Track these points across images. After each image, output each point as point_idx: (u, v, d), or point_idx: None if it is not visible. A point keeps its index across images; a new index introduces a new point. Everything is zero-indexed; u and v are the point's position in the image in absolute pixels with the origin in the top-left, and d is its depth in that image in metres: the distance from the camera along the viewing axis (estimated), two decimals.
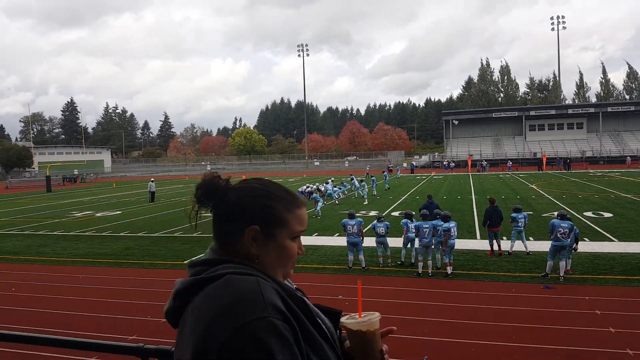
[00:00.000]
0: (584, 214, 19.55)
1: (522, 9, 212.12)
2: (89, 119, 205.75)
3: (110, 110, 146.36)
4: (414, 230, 11.68)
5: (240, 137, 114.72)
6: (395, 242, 13.42)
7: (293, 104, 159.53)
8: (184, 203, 29.26)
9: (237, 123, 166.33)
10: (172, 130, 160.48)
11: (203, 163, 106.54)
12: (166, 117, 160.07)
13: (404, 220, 12.17)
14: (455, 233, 11.08)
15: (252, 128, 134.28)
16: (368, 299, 9.49)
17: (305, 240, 14.69)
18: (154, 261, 13.48)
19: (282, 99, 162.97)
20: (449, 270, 11.01)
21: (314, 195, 22.77)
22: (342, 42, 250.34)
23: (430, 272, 11.08)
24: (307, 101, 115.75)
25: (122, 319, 8.80)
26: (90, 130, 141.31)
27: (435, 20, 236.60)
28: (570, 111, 74.55)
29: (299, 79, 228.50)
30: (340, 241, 14.98)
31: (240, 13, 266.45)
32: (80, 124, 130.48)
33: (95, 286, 11.14)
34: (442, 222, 11.15)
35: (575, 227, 10.94)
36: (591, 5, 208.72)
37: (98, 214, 25.32)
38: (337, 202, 26.38)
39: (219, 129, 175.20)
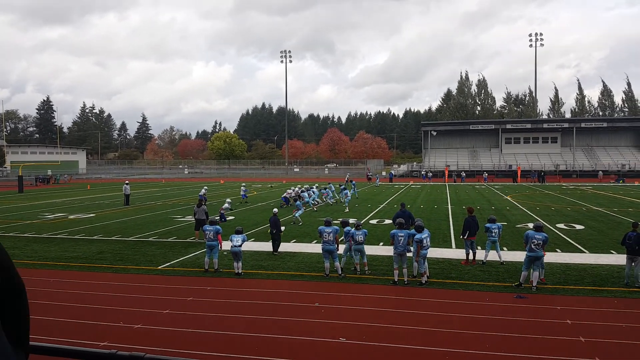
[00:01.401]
0: (557, 225, 20.00)
1: (503, 26, 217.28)
2: (66, 119, 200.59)
3: (87, 110, 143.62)
4: (361, 238, 11.84)
5: (220, 141, 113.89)
6: (370, 249, 13.48)
7: (274, 109, 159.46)
8: (160, 207, 28.85)
9: (217, 127, 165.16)
10: (149, 132, 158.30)
11: (181, 167, 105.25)
12: (144, 118, 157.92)
13: (347, 228, 12.21)
14: (428, 244, 11.18)
15: (232, 132, 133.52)
16: (345, 306, 9.50)
17: (284, 246, 14.65)
18: (127, 266, 13.22)
19: (263, 104, 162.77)
20: (424, 279, 11.11)
21: (297, 202, 22.70)
22: (326, 50, 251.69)
23: (406, 280, 11.15)
24: (289, 107, 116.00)
25: (93, 324, 8.59)
26: (65, 130, 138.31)
27: (419, 33, 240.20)
28: (545, 126, 76.48)
29: (282, 85, 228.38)
30: (318, 248, 14.97)
31: (227, 17, 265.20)
32: (56, 123, 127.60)
33: (66, 291, 10.86)
34: (416, 232, 11.27)
35: (546, 235, 11.20)
36: (568, 25, 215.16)
37: (71, 216, 24.72)
38: (314, 209, 26.39)
39: (198, 132, 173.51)
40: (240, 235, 12.06)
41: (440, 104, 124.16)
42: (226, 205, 23.61)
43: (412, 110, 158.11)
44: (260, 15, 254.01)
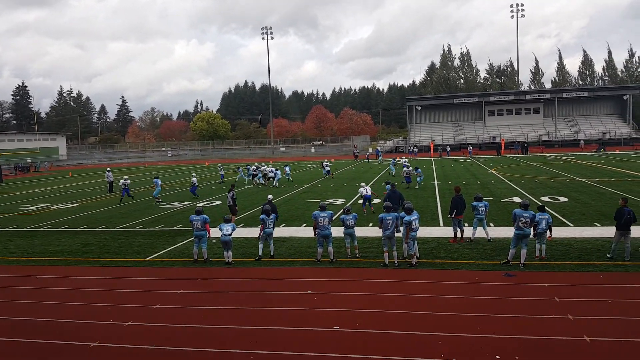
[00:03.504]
0: (541, 198, 20.25)
1: None
2: (45, 103, 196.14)
3: (64, 94, 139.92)
4: (352, 222, 11.74)
5: (203, 121, 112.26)
6: (360, 231, 13.47)
7: (258, 87, 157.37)
8: (144, 194, 28.48)
9: (199, 107, 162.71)
10: (130, 114, 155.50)
11: (163, 149, 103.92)
12: (124, 100, 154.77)
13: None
14: (417, 225, 11.19)
15: (214, 112, 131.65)
16: (338, 292, 9.51)
17: (274, 231, 14.53)
18: (114, 258, 13.04)
19: (245, 82, 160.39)
20: (413, 261, 11.18)
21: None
22: (310, 26, 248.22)
23: (396, 262, 11.20)
24: (273, 85, 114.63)
25: (83, 324, 8.45)
26: (43, 115, 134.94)
27: (402, 6, 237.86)
28: (527, 97, 76.88)
29: (265, 62, 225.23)
30: (308, 232, 14.95)
31: None
32: (33, 109, 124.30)
33: (52, 288, 10.68)
34: (404, 215, 11.27)
35: (548, 215, 11.36)
36: None
37: (54, 207, 24.28)
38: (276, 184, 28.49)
39: (179, 112, 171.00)
40: (230, 224, 11.96)
41: (424, 77, 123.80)
42: (122, 181, 24.42)
43: (397, 84, 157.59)
44: None
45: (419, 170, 27.07)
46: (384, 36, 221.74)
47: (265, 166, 32.04)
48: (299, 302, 9.03)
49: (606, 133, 67.74)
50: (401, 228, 11.28)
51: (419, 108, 79.51)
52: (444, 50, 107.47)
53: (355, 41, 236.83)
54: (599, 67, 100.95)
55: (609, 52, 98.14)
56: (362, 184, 20.51)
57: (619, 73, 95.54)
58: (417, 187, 25.65)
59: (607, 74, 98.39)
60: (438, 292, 9.33)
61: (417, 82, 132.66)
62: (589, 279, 9.82)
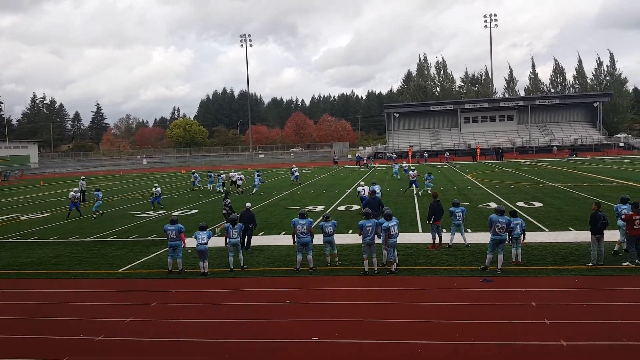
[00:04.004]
0: (517, 203, 20.54)
1: (460, 6, 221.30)
2: (17, 111, 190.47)
3: (37, 101, 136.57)
4: (331, 230, 11.62)
5: (179, 128, 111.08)
6: (339, 238, 13.38)
7: (236, 93, 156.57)
8: (118, 202, 27.86)
9: (176, 114, 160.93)
10: (105, 121, 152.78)
11: (139, 157, 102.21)
12: (99, 107, 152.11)
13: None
14: (396, 232, 11.16)
15: (192, 119, 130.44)
16: (318, 302, 9.38)
17: (252, 240, 14.34)
18: (86, 270, 12.62)
19: (224, 89, 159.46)
20: (393, 267, 11.14)
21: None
22: (289, 33, 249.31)
23: (376, 269, 11.14)
24: (251, 92, 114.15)
25: (51, 340, 8.10)
26: (15, 122, 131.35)
27: (380, 15, 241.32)
28: (501, 104, 78.60)
29: (244, 69, 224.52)
30: (287, 240, 14.77)
31: (186, 2, 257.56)
32: (4, 116, 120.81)
33: (20, 302, 10.25)
34: (385, 221, 11.25)
35: (522, 220, 11.60)
36: (521, 5, 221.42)
37: (23, 217, 23.50)
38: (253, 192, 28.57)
39: (156, 119, 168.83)
40: (205, 232, 11.68)
41: (401, 85, 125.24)
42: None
43: (375, 92, 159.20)
44: (221, 0, 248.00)
45: (432, 176, 26.52)
46: (362, 45, 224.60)
47: (238, 173, 31.70)
48: (277, 313, 8.86)
49: (578, 139, 69.57)
50: (381, 234, 11.26)
51: (397, 115, 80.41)
52: (420, 59, 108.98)
53: (334, 49, 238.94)
54: (570, 75, 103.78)
55: (579, 61, 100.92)
56: (361, 183, 20.71)
57: (589, 81, 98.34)
58: (420, 193, 25.18)
59: (577, 82, 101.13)
60: (417, 299, 9.29)
61: (395, 89, 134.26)
62: (564, 283, 9.93)
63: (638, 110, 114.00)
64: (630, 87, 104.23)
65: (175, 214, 21.55)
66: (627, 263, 10.84)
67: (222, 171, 37.00)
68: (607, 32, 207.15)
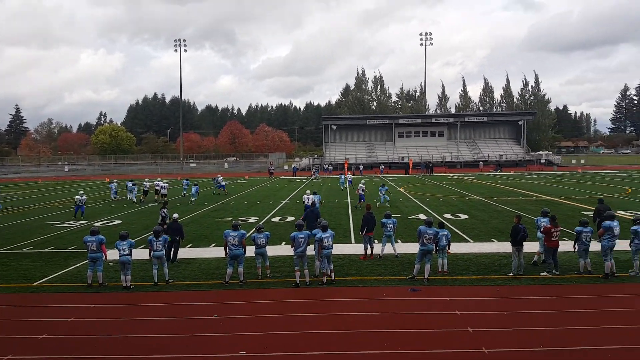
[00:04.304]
0: (444, 215, 21.40)
1: (397, 24, 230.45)
2: None
3: None
4: (263, 241, 11.52)
5: (105, 134, 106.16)
6: (272, 250, 13.20)
7: (168, 99, 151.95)
8: (35, 212, 25.87)
9: (102, 119, 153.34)
10: (24, 125, 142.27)
11: (60, 163, 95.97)
12: (18, 110, 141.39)
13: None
14: (330, 243, 11.18)
15: (119, 125, 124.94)
16: (246, 315, 9.13)
17: (179, 253, 13.78)
18: None
19: (155, 94, 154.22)
20: (324, 279, 11.14)
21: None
22: (227, 41, 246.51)
23: (307, 280, 11.07)
24: (185, 98, 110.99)
25: None
26: None
27: (320, 28, 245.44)
28: (433, 120, 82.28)
29: (178, 74, 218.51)
30: (216, 252, 14.37)
31: (119, 4, 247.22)
32: None
33: None
34: (319, 232, 11.25)
35: (447, 231, 12.05)
36: (455, 26, 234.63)
37: None
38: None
39: (80, 124, 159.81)
40: (126, 241, 11.06)
41: (339, 98, 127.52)
42: None
43: (313, 103, 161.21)
44: (156, 4, 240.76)
45: (385, 187, 26.28)
46: (302, 56, 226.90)
47: (163, 182, 30.37)
48: (203, 328, 8.51)
49: (503, 155, 74.10)
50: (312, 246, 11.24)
51: (334, 127, 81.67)
52: (358, 73, 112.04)
53: (274, 59, 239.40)
54: (497, 94, 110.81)
55: (507, 81, 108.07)
56: (307, 191, 20.84)
57: (515, 100, 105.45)
58: (378, 205, 25.05)
59: (504, 100, 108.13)
60: (349, 310, 9.32)
61: (333, 102, 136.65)
62: (487, 292, 10.39)
63: (559, 129, 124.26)
64: (552, 107, 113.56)
65: (97, 224, 20.39)
66: (545, 273, 11.55)
67: (147, 179, 35.47)
68: (533, 55, 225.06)
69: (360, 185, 26.24)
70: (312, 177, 53.65)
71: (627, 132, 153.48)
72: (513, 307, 9.41)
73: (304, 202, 20.46)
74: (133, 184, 30.46)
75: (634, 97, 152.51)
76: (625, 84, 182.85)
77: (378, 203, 25.67)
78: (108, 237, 12.03)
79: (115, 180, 36.36)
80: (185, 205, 27.30)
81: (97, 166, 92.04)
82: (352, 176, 44.07)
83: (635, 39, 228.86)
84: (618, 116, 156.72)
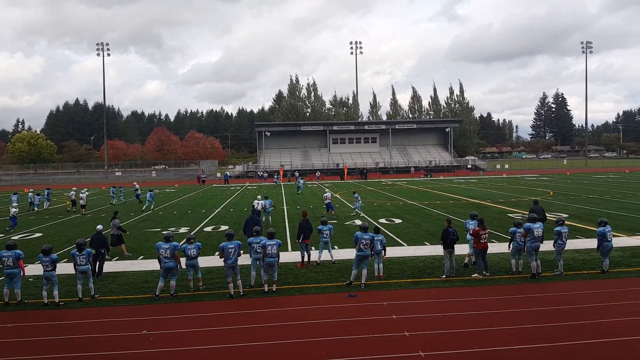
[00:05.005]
0: (379, 220, 21.77)
1: (329, 32, 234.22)
2: None
3: None
4: (194, 252, 11.07)
5: (23, 142, 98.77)
6: (205, 262, 12.67)
7: (91, 105, 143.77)
8: None
9: (20, 126, 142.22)
10: None
11: None
12: None
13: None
14: (274, 251, 10.91)
15: (38, 132, 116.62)
16: (177, 330, 8.60)
17: (105, 266, 12.86)
18: None
19: (77, 100, 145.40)
20: (266, 287, 10.84)
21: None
22: (153, 45, 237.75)
23: (241, 291, 10.69)
24: (109, 104, 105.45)
25: None
26: None
27: (251, 34, 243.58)
28: (366, 127, 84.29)
29: (101, 79, 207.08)
30: (145, 265, 13.58)
31: (39, 6, 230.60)
32: None
33: None
34: (266, 239, 10.98)
35: (382, 236, 12.12)
36: (384, 36, 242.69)
37: None
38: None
39: None
40: (48, 257, 10.18)
41: (272, 104, 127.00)
42: None
43: (246, 109, 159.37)
44: (79, 6, 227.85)
45: (357, 195, 25.24)
46: (233, 61, 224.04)
47: (81, 192, 28.78)
48: (131, 344, 7.91)
49: (432, 161, 77.28)
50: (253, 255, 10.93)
51: (269, 134, 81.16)
52: (292, 79, 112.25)
53: (204, 64, 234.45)
54: (425, 102, 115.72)
55: (434, 90, 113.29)
56: (258, 197, 20.57)
57: (442, 108, 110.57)
58: (353, 214, 24.24)
59: (432, 108, 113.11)
60: (286, 320, 9.08)
61: (267, 108, 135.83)
62: (421, 295, 10.57)
63: (483, 136, 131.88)
64: (477, 114, 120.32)
65: (15, 238, 18.68)
66: (476, 275, 11.97)
67: (73, 188, 33.21)
68: (458, 65, 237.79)
69: (325, 194, 25.52)
70: (275, 183, 53.22)
71: (547, 137, 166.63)
72: (447, 309, 9.62)
73: (253, 206, 19.87)
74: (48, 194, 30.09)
75: (552, 105, 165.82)
76: (544, 92, 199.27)
77: (353, 213, 24.56)
78: (27, 251, 10.94)
79: (32, 190, 33.82)
80: (109, 214, 25.65)
81: (14, 176, 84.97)
82: (303, 181, 44.93)
83: (551, 51, 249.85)
84: (538, 123, 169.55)
